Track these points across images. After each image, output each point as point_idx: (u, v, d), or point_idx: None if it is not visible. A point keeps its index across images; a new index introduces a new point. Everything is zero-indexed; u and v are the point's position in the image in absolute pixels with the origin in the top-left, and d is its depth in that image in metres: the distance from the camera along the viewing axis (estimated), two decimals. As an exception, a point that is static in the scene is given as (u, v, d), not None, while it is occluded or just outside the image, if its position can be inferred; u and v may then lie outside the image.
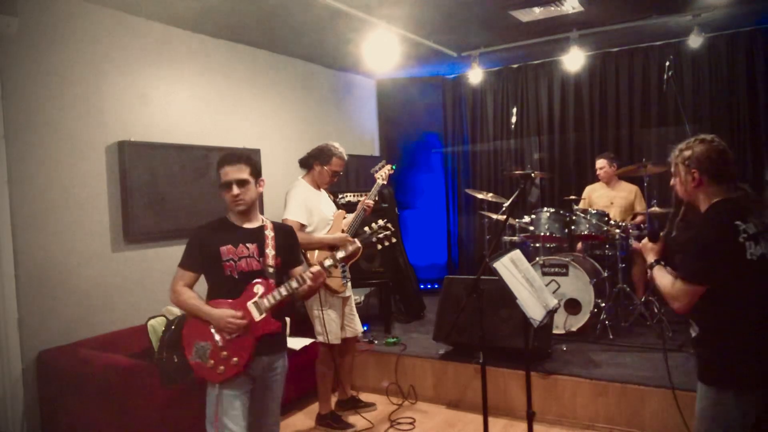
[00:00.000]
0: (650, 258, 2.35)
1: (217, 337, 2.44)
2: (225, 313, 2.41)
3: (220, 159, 2.56)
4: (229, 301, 2.47)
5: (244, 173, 2.51)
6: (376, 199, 3.93)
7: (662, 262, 2.31)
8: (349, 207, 4.42)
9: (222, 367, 2.41)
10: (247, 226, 2.58)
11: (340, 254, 2.59)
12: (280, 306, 2.49)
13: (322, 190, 3.83)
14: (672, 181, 2.31)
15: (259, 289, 2.47)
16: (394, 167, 4.02)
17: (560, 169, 6.45)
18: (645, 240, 2.41)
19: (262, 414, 2.58)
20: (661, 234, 2.39)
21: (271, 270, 2.51)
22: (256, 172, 2.58)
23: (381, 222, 2.71)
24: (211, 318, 2.43)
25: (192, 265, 2.54)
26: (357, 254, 3.73)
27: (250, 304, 2.46)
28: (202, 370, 2.45)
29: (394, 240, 2.68)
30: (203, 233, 2.56)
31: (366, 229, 2.70)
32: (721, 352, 2.13)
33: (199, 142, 4.57)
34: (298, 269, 2.66)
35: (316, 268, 2.51)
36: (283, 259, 2.59)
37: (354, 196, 5.22)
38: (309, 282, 2.49)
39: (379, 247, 2.70)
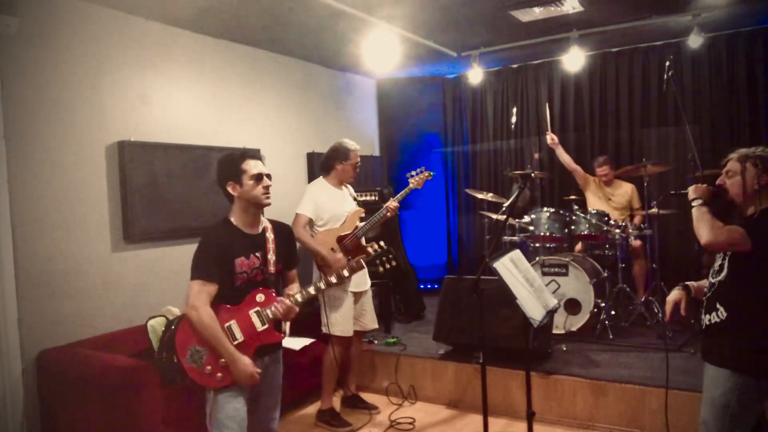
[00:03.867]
0: (696, 194, 2.39)
1: None
2: (248, 368, 2.36)
3: (240, 154, 2.53)
4: (228, 306, 2.45)
5: (266, 168, 2.54)
6: (398, 203, 3.95)
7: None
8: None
9: (220, 374, 2.39)
10: (251, 232, 2.54)
11: (311, 289, 2.55)
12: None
13: (344, 188, 3.94)
14: (723, 180, 2.38)
15: (260, 297, 2.45)
16: (433, 174, 4.05)
17: (560, 169, 6.44)
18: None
19: (260, 412, 2.57)
20: (713, 189, 2.41)
21: (272, 279, 2.50)
22: None
23: (381, 244, 2.69)
24: (235, 364, 2.36)
25: (212, 275, 2.40)
26: (364, 251, 3.79)
27: (251, 313, 2.43)
28: (198, 376, 2.42)
29: (394, 263, 2.68)
30: (217, 240, 2.46)
31: (370, 250, 2.70)
32: (750, 337, 2.20)
33: (199, 142, 4.57)
34: (293, 273, 2.68)
35: (286, 303, 2.45)
36: (283, 263, 2.60)
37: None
38: (279, 314, 2.44)
39: (381, 269, 2.68)
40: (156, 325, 3.61)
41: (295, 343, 4.14)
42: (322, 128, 5.94)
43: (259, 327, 2.43)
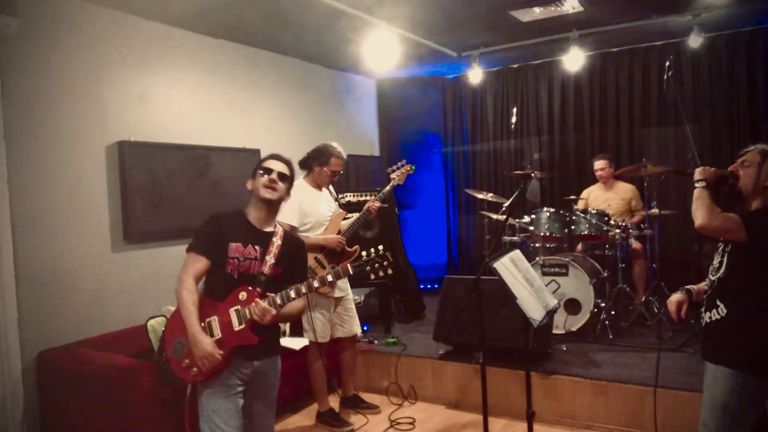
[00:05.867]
0: (702, 176, 2.38)
1: None
2: (206, 347, 2.31)
3: (267, 154, 2.58)
4: (215, 301, 2.43)
5: (286, 171, 2.54)
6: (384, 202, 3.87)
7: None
8: (349, 207, 4.41)
9: (195, 369, 2.39)
10: (260, 227, 2.52)
11: (316, 283, 2.44)
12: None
13: (324, 189, 3.84)
14: (737, 167, 2.37)
15: (243, 296, 2.39)
16: (414, 167, 3.97)
17: (560, 169, 6.45)
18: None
19: (255, 416, 2.55)
20: (721, 174, 2.41)
21: (262, 278, 2.43)
22: (291, 181, 2.57)
23: (380, 249, 2.53)
24: (194, 339, 2.33)
25: (205, 250, 2.42)
26: (350, 257, 3.72)
27: (232, 311, 2.39)
28: (177, 367, 2.43)
29: (390, 271, 2.52)
30: (220, 221, 2.49)
31: (363, 254, 2.55)
32: (750, 334, 2.20)
33: (199, 142, 4.57)
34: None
35: (261, 304, 2.33)
36: (285, 270, 2.51)
37: (354, 196, 5.22)
38: (254, 315, 2.35)
39: (373, 277, 2.52)
40: (156, 325, 3.62)
41: (294, 343, 4.14)
42: (322, 128, 5.94)
43: (236, 326, 2.38)
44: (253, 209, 2.54)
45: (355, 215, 3.84)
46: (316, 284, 2.44)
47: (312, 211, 3.67)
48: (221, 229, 2.46)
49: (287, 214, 3.58)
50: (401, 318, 5.58)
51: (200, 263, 2.42)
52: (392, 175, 3.91)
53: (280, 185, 2.50)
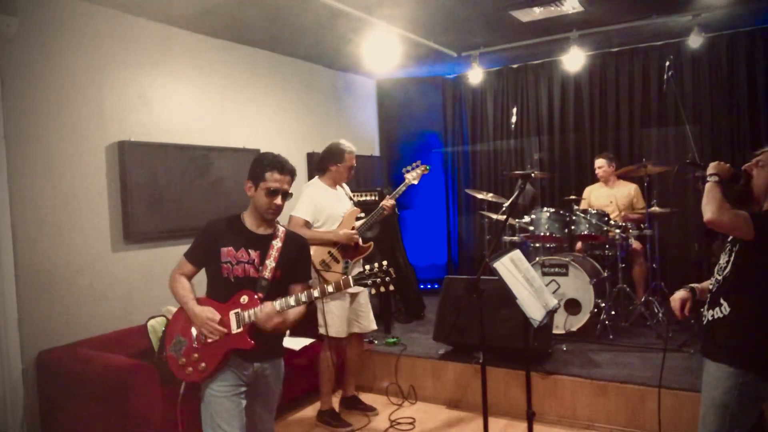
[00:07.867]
0: (715, 170, 2.37)
1: (194, 336, 2.43)
2: (206, 313, 2.37)
3: (271, 160, 2.46)
4: (216, 302, 2.43)
5: (289, 186, 2.49)
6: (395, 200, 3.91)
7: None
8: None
9: (190, 369, 2.40)
10: (256, 231, 2.51)
11: (316, 293, 2.42)
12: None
13: (339, 188, 3.89)
14: (751, 166, 2.37)
15: (244, 299, 2.40)
16: (429, 167, 3.98)
17: (560, 169, 6.45)
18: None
19: (256, 418, 2.55)
20: (735, 171, 2.41)
21: (264, 283, 2.42)
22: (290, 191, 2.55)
23: (384, 264, 2.51)
24: (194, 314, 2.40)
25: (193, 258, 2.51)
26: (364, 252, 3.75)
27: (231, 314, 2.40)
28: (174, 365, 2.44)
29: (392, 288, 2.51)
30: (213, 229, 2.50)
31: (367, 267, 2.52)
32: (752, 333, 2.20)
33: (199, 142, 4.57)
34: (298, 287, 2.52)
35: (267, 309, 2.35)
36: (285, 271, 2.50)
37: (354, 195, 5.20)
38: (258, 319, 2.35)
39: (373, 291, 2.53)
40: (156, 325, 3.62)
41: (294, 343, 4.14)
42: (322, 128, 5.94)
43: (234, 329, 2.39)
44: (251, 213, 2.53)
45: (363, 215, 3.89)
46: (316, 294, 2.44)
47: (326, 208, 3.73)
48: (212, 236, 2.49)
49: (301, 209, 3.68)
50: (401, 318, 5.58)
51: (186, 268, 2.53)
52: (407, 175, 3.93)
53: (284, 204, 2.49)
